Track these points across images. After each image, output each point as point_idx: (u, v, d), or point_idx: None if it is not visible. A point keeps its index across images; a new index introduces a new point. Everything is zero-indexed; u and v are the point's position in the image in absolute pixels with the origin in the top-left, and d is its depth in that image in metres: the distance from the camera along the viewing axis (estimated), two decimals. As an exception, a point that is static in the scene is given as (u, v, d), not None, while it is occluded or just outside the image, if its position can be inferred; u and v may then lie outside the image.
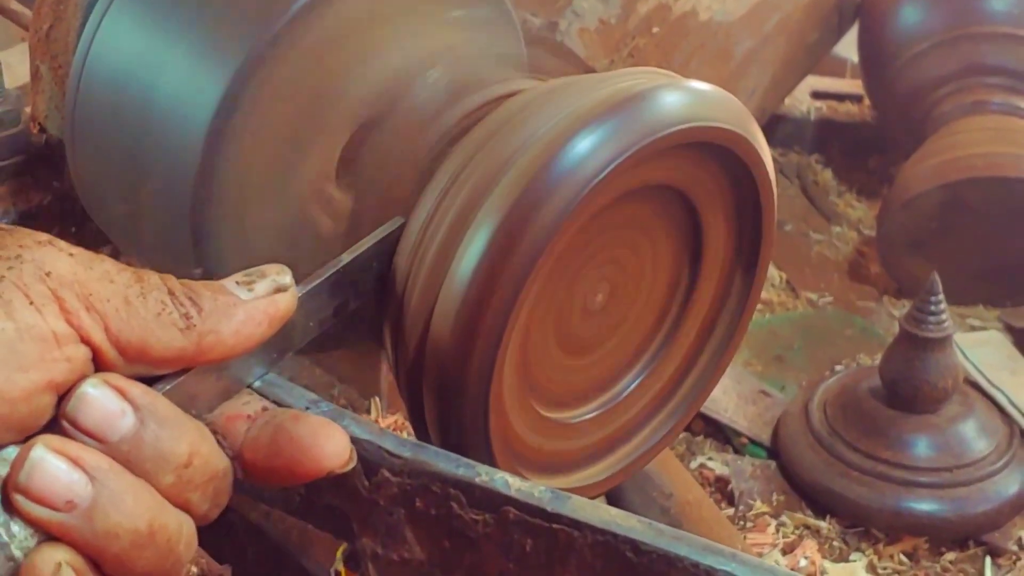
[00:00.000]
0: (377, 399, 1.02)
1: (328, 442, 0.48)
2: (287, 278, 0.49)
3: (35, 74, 0.72)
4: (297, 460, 0.47)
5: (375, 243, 0.59)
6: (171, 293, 0.46)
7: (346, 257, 0.57)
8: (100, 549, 0.42)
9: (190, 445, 0.44)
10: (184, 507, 0.45)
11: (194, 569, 0.77)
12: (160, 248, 0.67)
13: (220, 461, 0.47)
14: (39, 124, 0.73)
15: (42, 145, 0.74)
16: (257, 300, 0.47)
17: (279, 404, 0.51)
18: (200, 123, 0.61)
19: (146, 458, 0.43)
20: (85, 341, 0.44)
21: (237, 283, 0.47)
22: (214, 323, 0.46)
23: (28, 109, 0.75)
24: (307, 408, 0.54)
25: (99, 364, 0.45)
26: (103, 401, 0.43)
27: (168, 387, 0.46)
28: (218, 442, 0.48)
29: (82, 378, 0.44)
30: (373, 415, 1.02)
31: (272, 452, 0.47)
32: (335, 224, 0.63)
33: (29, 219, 0.73)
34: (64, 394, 0.43)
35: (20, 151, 0.74)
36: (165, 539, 0.44)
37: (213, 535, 0.79)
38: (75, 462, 0.42)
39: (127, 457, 0.43)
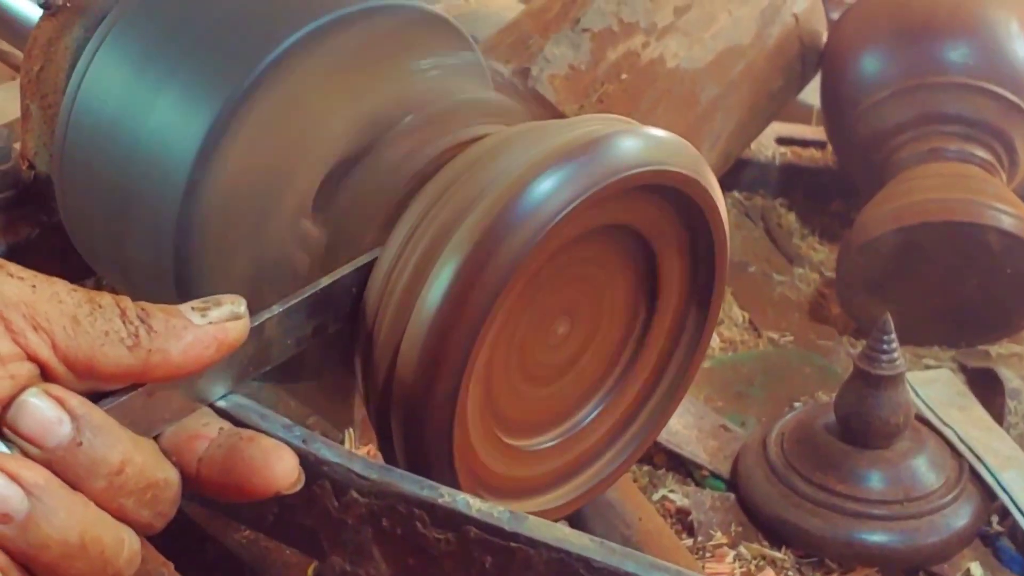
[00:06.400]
0: (350, 430, 1.04)
1: (278, 464, 0.50)
2: (242, 308, 0.51)
3: (25, 113, 0.74)
4: (247, 479, 0.50)
5: (354, 269, 0.62)
6: (122, 313, 0.48)
7: (326, 280, 0.60)
8: (31, 557, 0.44)
9: (122, 454, 0.47)
10: (120, 514, 0.47)
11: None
12: (144, 282, 0.70)
13: (160, 472, 0.49)
14: (28, 161, 0.75)
15: (31, 181, 0.75)
16: (208, 326, 0.49)
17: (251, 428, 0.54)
18: (183, 164, 0.63)
19: (80, 464, 0.46)
20: (32, 358, 0.46)
21: (192, 308, 0.50)
22: (162, 343, 0.48)
23: (18, 146, 0.77)
24: (282, 434, 0.57)
25: (48, 379, 0.47)
26: (42, 409, 0.45)
27: (119, 400, 0.48)
28: (167, 455, 0.50)
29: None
30: (346, 446, 1.04)
31: (225, 470, 0.50)
32: (310, 259, 0.65)
33: (18, 251, 0.75)
34: (7, 404, 0.46)
35: (10, 186, 0.76)
36: (99, 551, 0.46)
37: (187, 560, 0.81)
38: (13, 478, 0.44)
39: (62, 462, 0.45)
